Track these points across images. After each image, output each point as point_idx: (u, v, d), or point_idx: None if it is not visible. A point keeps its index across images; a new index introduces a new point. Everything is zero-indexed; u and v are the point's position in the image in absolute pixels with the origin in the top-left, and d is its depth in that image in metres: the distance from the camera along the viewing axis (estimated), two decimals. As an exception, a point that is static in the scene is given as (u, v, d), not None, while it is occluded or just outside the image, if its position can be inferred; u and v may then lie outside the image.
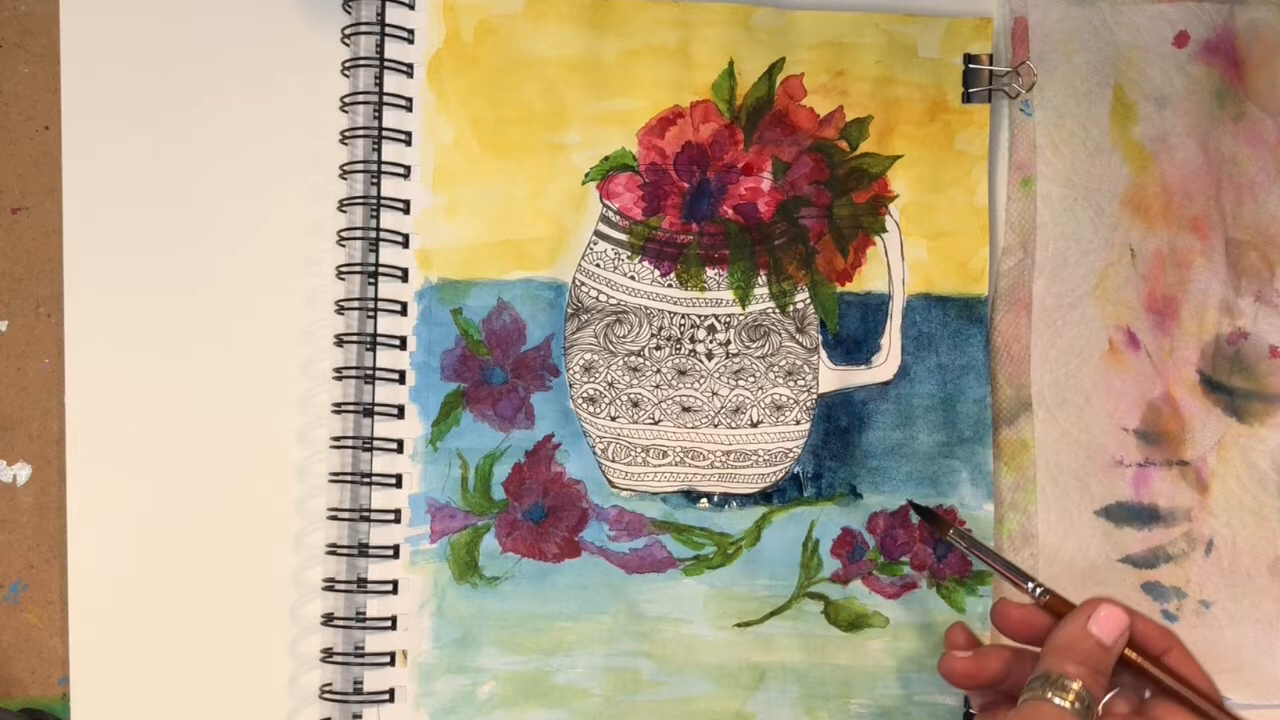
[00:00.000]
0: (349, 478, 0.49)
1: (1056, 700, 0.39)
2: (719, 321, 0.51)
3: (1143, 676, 0.42)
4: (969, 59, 0.52)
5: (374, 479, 0.49)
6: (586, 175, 0.51)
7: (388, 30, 0.50)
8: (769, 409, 0.51)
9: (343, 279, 0.50)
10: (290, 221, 0.51)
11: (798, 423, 0.51)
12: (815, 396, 0.51)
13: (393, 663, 0.49)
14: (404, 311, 0.50)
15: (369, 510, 0.49)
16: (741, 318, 0.51)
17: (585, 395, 0.51)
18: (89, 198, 0.50)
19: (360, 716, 0.49)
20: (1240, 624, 0.53)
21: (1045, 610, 0.44)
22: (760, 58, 0.52)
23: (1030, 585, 0.45)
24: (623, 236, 0.51)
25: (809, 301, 0.52)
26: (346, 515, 0.49)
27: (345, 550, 0.49)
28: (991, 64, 0.52)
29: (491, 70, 0.51)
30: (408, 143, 0.51)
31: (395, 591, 0.49)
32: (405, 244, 0.50)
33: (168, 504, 0.50)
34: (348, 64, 0.51)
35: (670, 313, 0.51)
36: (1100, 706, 0.41)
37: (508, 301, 0.51)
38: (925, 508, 0.50)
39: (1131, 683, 0.43)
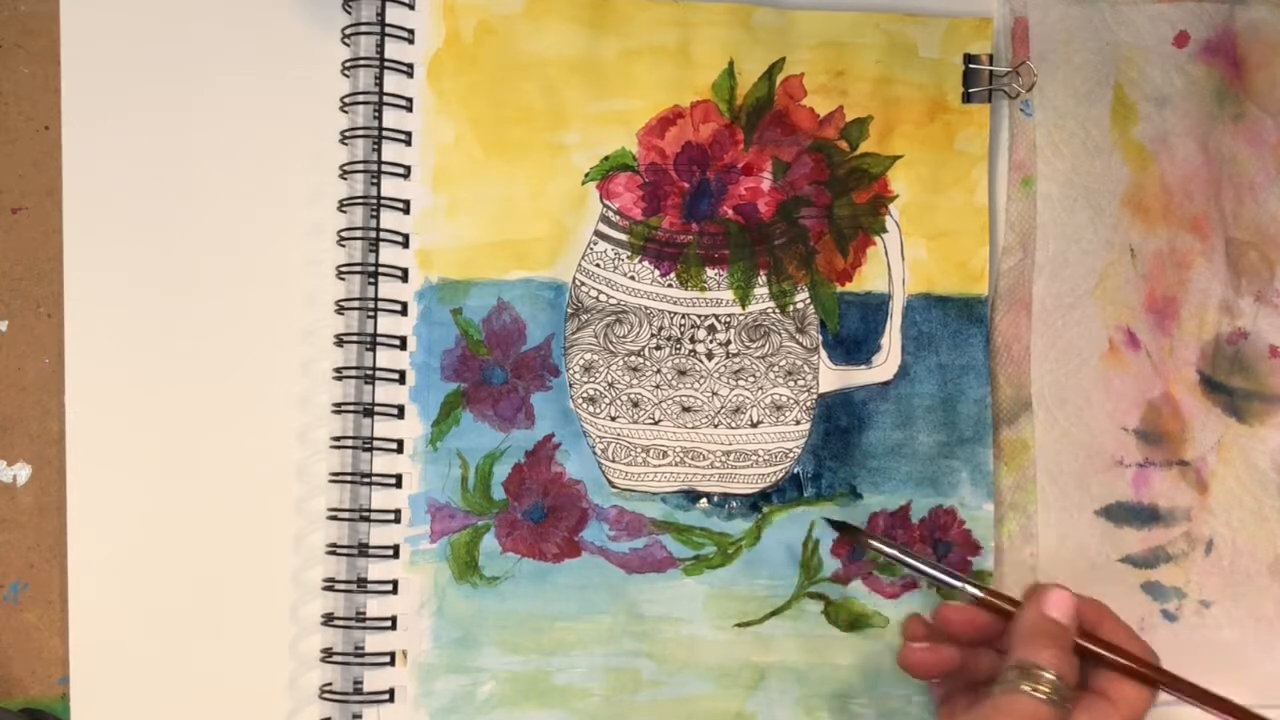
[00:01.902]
0: (349, 478, 0.49)
1: (1031, 691, 0.40)
2: (719, 321, 0.51)
3: (1089, 656, 0.43)
4: (969, 59, 0.52)
5: (374, 479, 0.49)
6: (586, 175, 0.51)
7: (388, 30, 0.50)
8: (769, 409, 0.51)
9: (343, 279, 0.50)
10: (290, 221, 0.51)
11: (798, 423, 0.51)
12: (815, 396, 0.51)
13: (393, 663, 0.49)
14: (404, 311, 0.50)
15: (369, 510, 0.49)
16: (741, 318, 0.51)
17: (585, 395, 0.51)
18: (89, 198, 0.50)
19: (360, 716, 0.49)
20: (1240, 624, 0.53)
21: (983, 607, 0.45)
22: (760, 58, 0.52)
23: (961, 586, 0.45)
24: (623, 236, 0.51)
25: (809, 301, 0.52)
26: (346, 515, 0.49)
27: (345, 550, 0.49)
28: (991, 64, 0.52)
29: (491, 70, 0.51)
30: (408, 143, 0.51)
31: (395, 591, 0.49)
32: (405, 244, 0.50)
33: (168, 504, 0.50)
34: (348, 64, 0.51)
35: (670, 313, 0.51)
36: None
37: (508, 301, 0.51)
38: (839, 522, 0.50)
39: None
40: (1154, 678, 0.43)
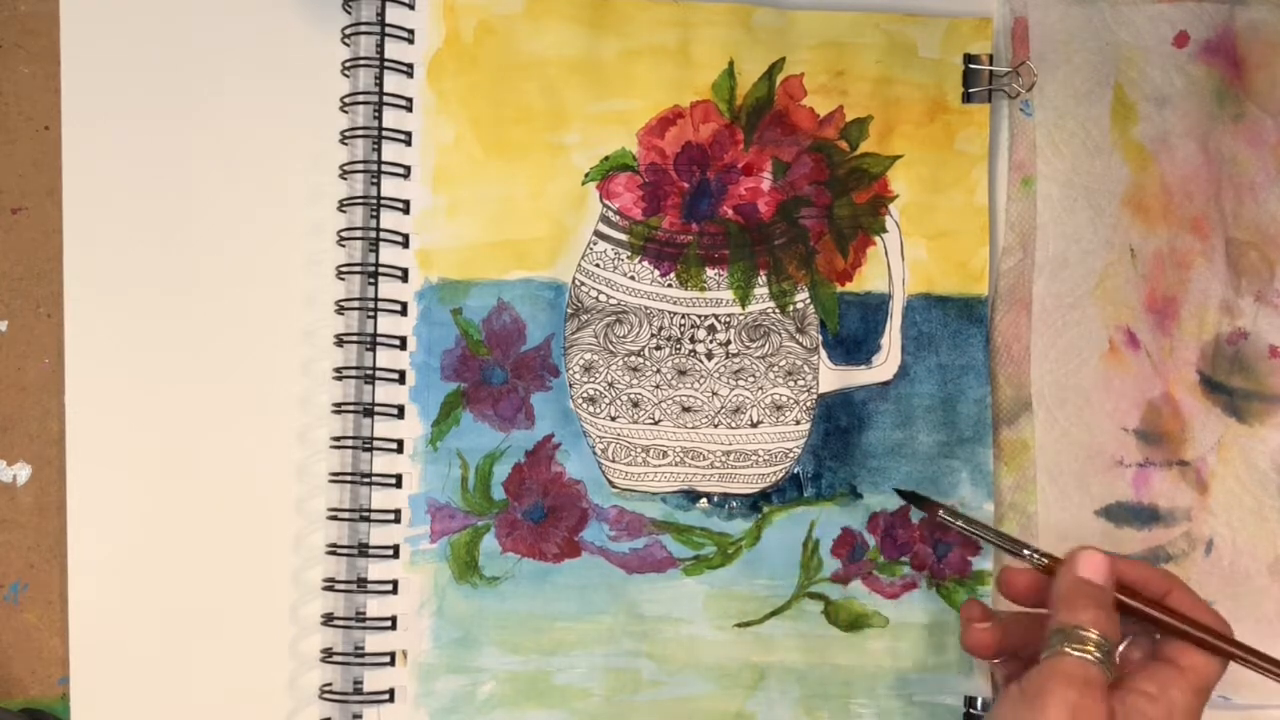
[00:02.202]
0: (349, 478, 0.49)
1: (1077, 652, 0.40)
2: (719, 321, 0.51)
3: (1145, 619, 0.43)
4: (969, 59, 0.52)
5: (374, 479, 0.49)
6: (586, 175, 0.51)
7: (388, 30, 0.50)
8: (769, 409, 0.51)
9: (343, 279, 0.50)
10: (290, 221, 0.51)
11: (798, 423, 0.51)
12: (815, 396, 0.51)
13: (393, 663, 0.49)
14: (404, 311, 0.50)
15: (369, 510, 0.49)
16: (741, 318, 0.51)
17: (585, 395, 0.51)
18: (89, 198, 0.50)
19: (360, 716, 0.49)
20: (1240, 624, 0.52)
21: (1046, 574, 0.45)
22: (760, 58, 0.52)
23: (1027, 553, 0.45)
24: (623, 236, 0.51)
25: (809, 301, 0.52)
26: (346, 515, 0.49)
27: (345, 550, 0.49)
28: (991, 64, 0.52)
29: (491, 70, 0.51)
30: (408, 143, 0.51)
31: (395, 591, 0.49)
32: (405, 244, 0.50)
33: (168, 504, 0.50)
34: (348, 64, 0.51)
35: (670, 313, 0.51)
36: (1118, 653, 0.42)
37: (508, 301, 0.51)
38: (911, 492, 0.50)
39: (1143, 629, 0.44)
40: (1217, 644, 0.42)
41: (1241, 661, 0.42)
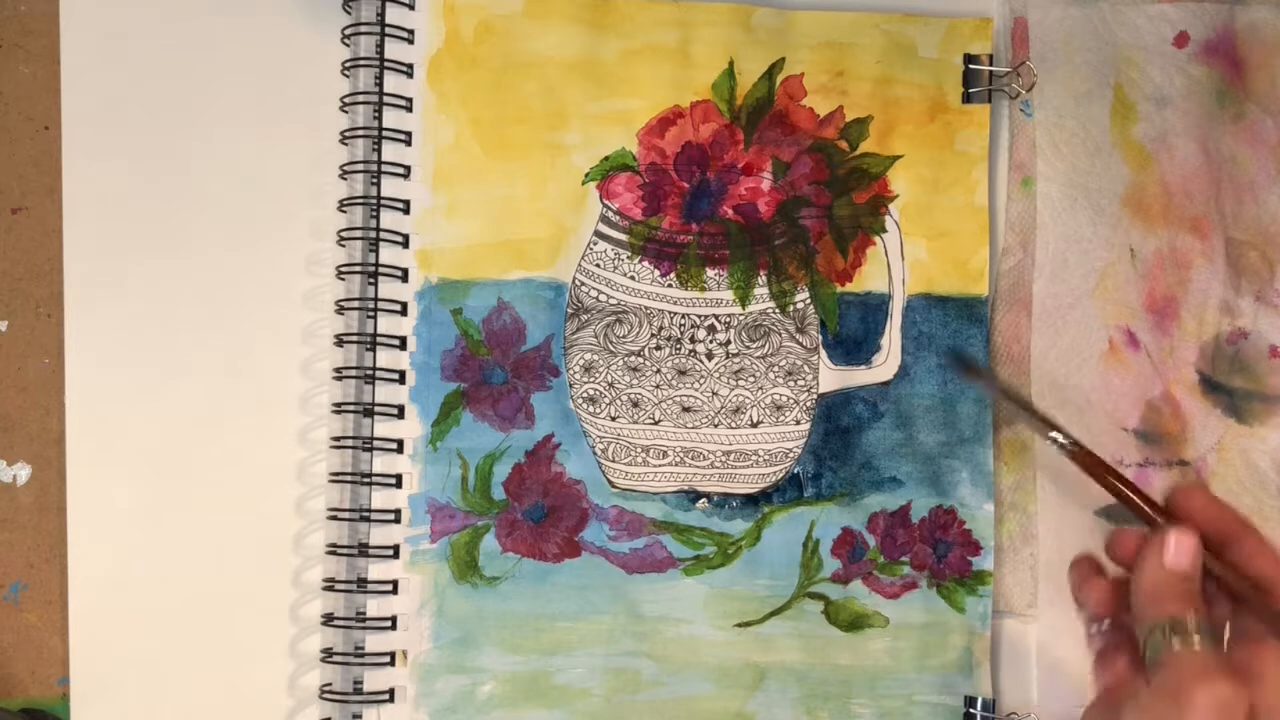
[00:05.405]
0: (349, 478, 0.49)
1: (1184, 645, 0.38)
2: (719, 321, 0.51)
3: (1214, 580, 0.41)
4: (969, 59, 0.52)
5: (374, 479, 0.49)
6: (586, 175, 0.51)
7: (388, 30, 0.50)
8: (769, 409, 0.51)
9: (343, 279, 0.50)
10: (290, 221, 0.51)
11: (798, 423, 0.51)
12: (815, 396, 0.51)
13: (393, 663, 0.49)
14: (404, 311, 0.50)
15: (369, 510, 0.49)
16: (741, 318, 0.51)
17: (585, 395, 0.51)
18: (89, 198, 0.50)
19: (360, 716, 0.49)
20: (1240, 624, 0.53)
21: (1075, 462, 0.43)
22: (760, 58, 0.52)
23: (1054, 435, 0.43)
24: (623, 236, 0.51)
25: (809, 301, 0.52)
26: (346, 515, 0.49)
27: (345, 550, 0.49)
28: (991, 64, 0.52)
29: (491, 70, 0.51)
30: (408, 143, 0.51)
31: (395, 591, 0.49)
32: (405, 244, 0.50)
33: (168, 504, 0.50)
34: (348, 64, 0.51)
35: (670, 313, 0.51)
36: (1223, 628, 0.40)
37: (508, 301, 0.51)
38: (960, 356, 0.50)
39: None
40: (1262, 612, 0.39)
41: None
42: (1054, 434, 0.44)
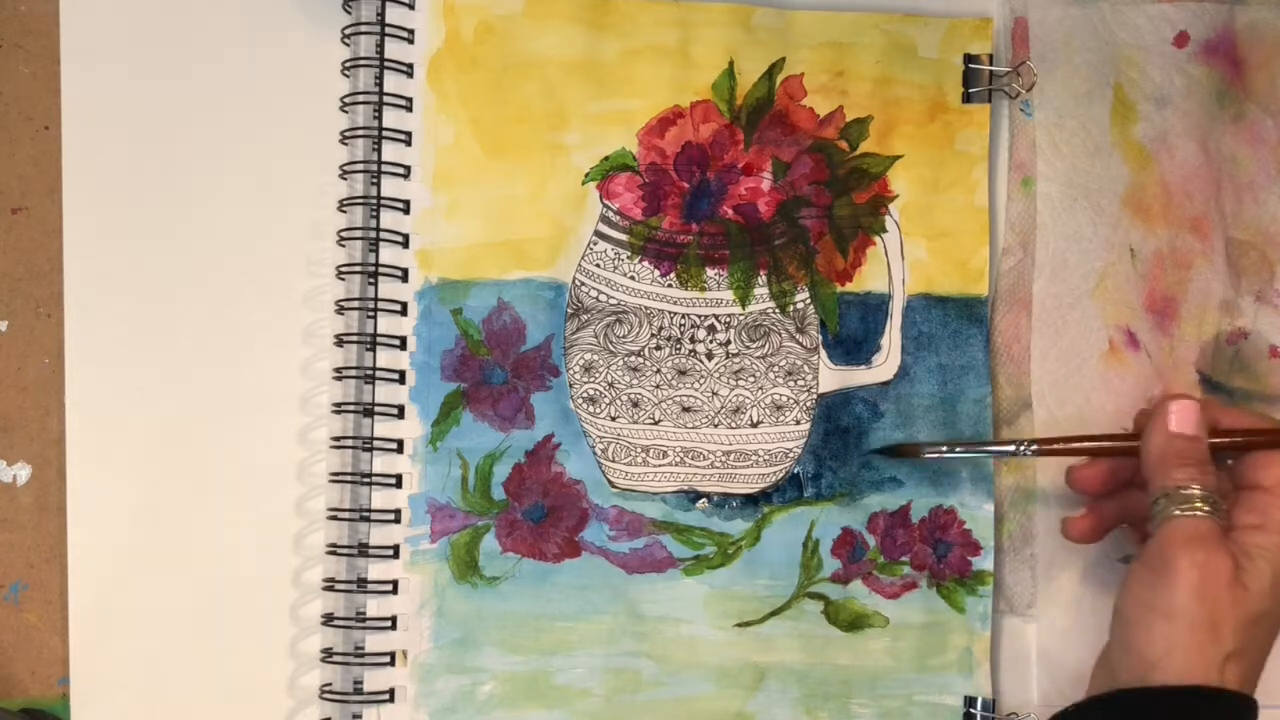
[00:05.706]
0: (349, 478, 0.49)
1: (1187, 513, 0.39)
2: (719, 321, 0.51)
3: (1230, 450, 0.42)
4: (969, 59, 0.52)
5: (374, 479, 0.49)
6: (586, 175, 0.51)
7: (388, 30, 0.50)
8: (769, 409, 0.51)
9: (343, 279, 0.50)
10: (290, 221, 0.51)
11: (798, 423, 0.51)
12: (815, 396, 0.51)
13: (393, 663, 0.49)
14: (404, 311, 0.50)
15: (369, 510, 0.49)
16: (741, 318, 0.51)
17: (585, 395, 0.51)
18: (89, 198, 0.50)
19: (360, 716, 0.49)
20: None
21: (1046, 454, 0.46)
22: (760, 58, 0.52)
23: (1018, 447, 0.46)
24: (623, 236, 0.51)
25: (809, 301, 0.52)
26: (346, 515, 0.49)
27: (345, 550, 0.49)
28: (991, 64, 0.52)
29: (491, 70, 0.51)
30: (408, 143, 0.51)
31: (395, 591, 0.49)
32: (405, 244, 0.50)
33: (168, 504, 0.50)
34: (348, 64, 0.51)
35: (670, 313, 0.51)
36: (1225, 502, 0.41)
37: (508, 301, 0.51)
38: (888, 447, 0.51)
39: (1220, 462, 0.43)
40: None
41: None
42: (1009, 447, 0.46)
